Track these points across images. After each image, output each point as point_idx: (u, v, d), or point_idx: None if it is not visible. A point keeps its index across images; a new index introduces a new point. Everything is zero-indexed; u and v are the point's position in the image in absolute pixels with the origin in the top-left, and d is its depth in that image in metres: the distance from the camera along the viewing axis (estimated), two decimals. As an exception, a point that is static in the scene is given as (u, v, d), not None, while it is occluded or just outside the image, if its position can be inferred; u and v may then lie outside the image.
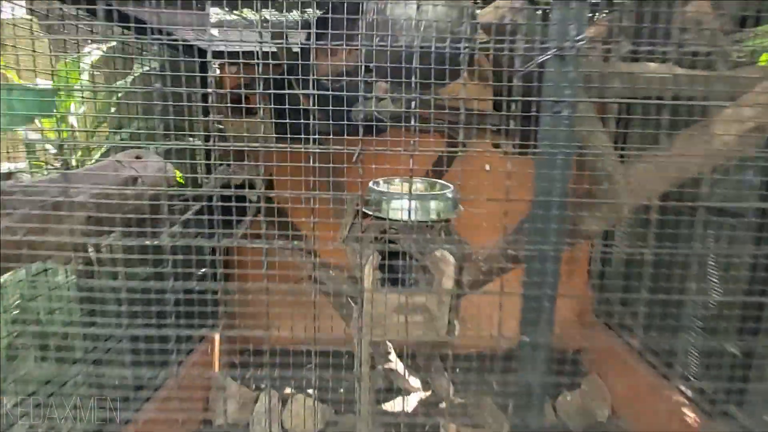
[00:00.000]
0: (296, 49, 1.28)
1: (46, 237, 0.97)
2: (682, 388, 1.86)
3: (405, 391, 2.59)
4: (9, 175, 1.06)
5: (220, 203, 1.01)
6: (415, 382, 2.67)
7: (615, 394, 2.29)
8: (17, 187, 1.07)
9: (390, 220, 1.30)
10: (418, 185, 1.59)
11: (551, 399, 2.48)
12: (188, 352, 2.21)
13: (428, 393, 2.70)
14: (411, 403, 2.58)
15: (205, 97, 2.03)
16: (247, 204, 1.64)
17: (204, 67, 2.40)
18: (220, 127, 1.78)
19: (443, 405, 2.57)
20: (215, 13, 1.49)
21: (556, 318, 0.82)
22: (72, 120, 2.34)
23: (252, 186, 1.53)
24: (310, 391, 2.57)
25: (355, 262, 1.40)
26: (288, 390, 2.53)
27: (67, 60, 2.02)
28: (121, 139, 2.07)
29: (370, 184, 1.45)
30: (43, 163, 1.87)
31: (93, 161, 2.29)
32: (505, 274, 1.15)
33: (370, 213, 1.40)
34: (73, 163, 2.07)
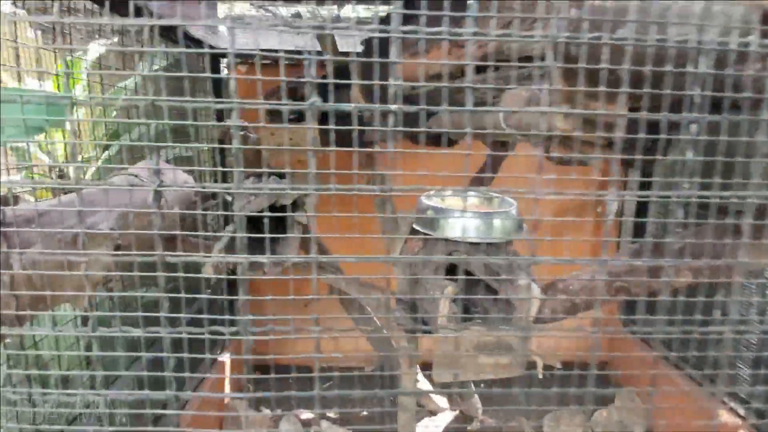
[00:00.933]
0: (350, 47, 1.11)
1: (67, 277, 0.79)
2: (728, 402, 1.78)
3: (433, 412, 2.47)
4: (15, 200, 0.87)
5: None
6: (442, 401, 2.56)
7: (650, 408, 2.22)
8: (26, 214, 0.88)
9: (447, 239, 1.16)
10: (472, 199, 1.44)
11: (586, 416, 2.39)
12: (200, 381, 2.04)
13: (457, 413, 2.59)
14: (440, 424, 2.46)
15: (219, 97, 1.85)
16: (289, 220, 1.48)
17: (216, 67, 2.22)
18: (251, 136, 1.60)
19: (474, 425, 2.45)
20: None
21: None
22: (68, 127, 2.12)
23: (296, 204, 1.36)
24: (331, 414, 2.42)
25: (410, 287, 1.25)
26: (306, 414, 2.38)
27: (69, 58, 1.81)
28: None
29: (422, 197, 1.31)
30: (40, 176, 1.66)
31: (96, 173, 2.09)
32: (591, 308, 1.02)
33: (423, 231, 1.25)
34: (74, 175, 1.87)
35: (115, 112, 1.94)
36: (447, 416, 2.42)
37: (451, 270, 1.15)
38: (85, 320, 1.25)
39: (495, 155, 1.57)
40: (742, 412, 1.81)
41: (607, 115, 0.52)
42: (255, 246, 0.78)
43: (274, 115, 1.56)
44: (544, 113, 0.50)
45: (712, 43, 0.46)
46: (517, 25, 0.54)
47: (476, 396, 2.28)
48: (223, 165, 2.21)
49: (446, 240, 1.17)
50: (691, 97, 0.48)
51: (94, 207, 1.04)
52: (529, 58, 0.58)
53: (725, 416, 1.81)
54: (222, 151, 2.31)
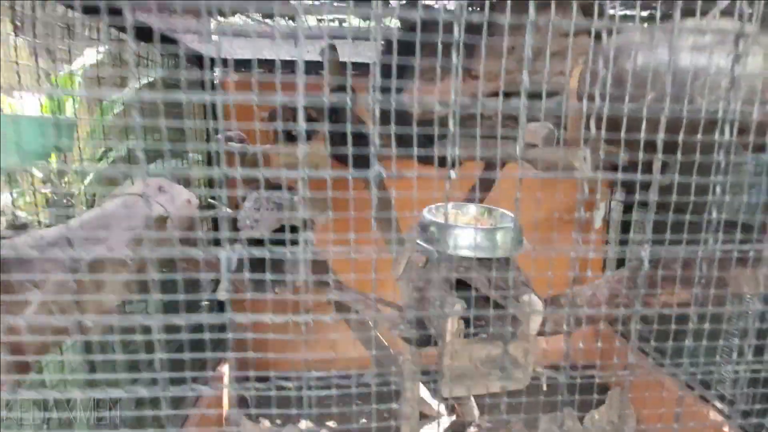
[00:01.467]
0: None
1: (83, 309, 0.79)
2: (713, 401, 1.86)
3: (432, 418, 2.50)
4: (23, 227, 0.86)
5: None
6: (438, 406, 2.59)
7: (637, 405, 2.29)
8: (35, 243, 0.88)
9: (450, 255, 1.18)
10: (471, 211, 1.47)
11: (578, 418, 2.46)
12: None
13: (454, 418, 2.63)
14: (438, 428, 2.49)
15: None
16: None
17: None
18: (249, 149, 1.60)
19: (472, 429, 2.49)
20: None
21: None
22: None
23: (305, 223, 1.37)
24: (331, 423, 2.43)
25: (415, 301, 1.27)
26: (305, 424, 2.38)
27: (61, 73, 1.78)
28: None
29: (424, 212, 1.33)
30: (36, 195, 1.62)
31: (87, 188, 2.05)
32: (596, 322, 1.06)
33: (425, 246, 1.28)
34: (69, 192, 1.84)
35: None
36: (444, 421, 2.45)
37: (456, 285, 1.17)
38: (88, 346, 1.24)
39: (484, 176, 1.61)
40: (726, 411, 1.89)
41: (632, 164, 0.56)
42: (262, 266, 0.79)
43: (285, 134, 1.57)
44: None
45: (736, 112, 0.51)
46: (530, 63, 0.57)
47: (473, 400, 2.32)
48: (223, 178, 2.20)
49: (449, 256, 1.19)
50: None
51: (103, 231, 1.04)
52: (538, 95, 0.62)
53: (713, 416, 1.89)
54: (218, 162, 2.28)
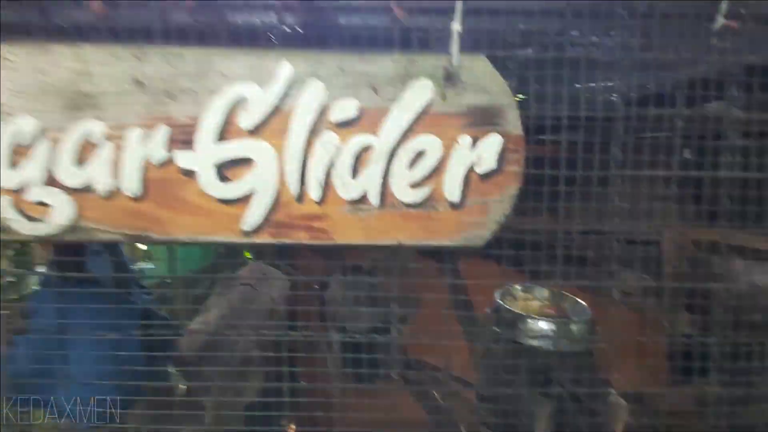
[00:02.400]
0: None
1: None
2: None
3: None
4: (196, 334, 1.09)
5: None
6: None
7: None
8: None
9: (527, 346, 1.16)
10: (543, 295, 1.43)
11: None
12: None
13: None
14: None
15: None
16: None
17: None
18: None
19: None
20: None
21: None
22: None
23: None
24: None
25: (493, 387, 1.25)
26: None
27: None
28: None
29: (496, 296, 1.35)
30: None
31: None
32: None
33: (502, 335, 1.27)
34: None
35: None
36: None
37: (539, 375, 1.14)
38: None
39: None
40: None
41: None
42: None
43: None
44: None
45: None
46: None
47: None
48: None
49: (526, 346, 1.18)
50: None
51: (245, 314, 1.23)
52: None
53: None
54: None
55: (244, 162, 0.84)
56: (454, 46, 0.85)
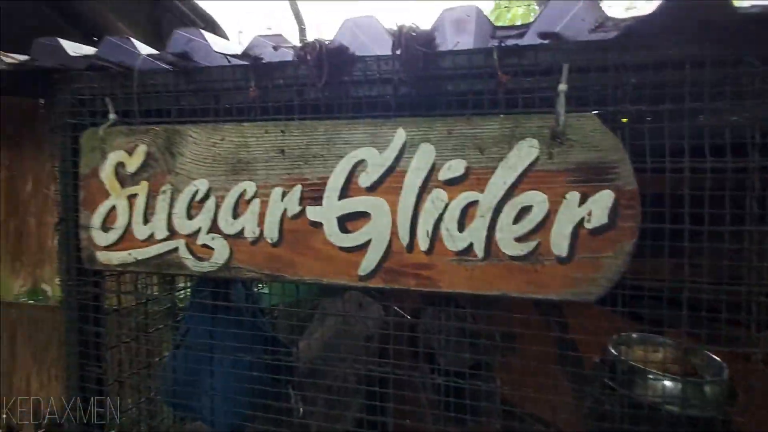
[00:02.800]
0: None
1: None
2: None
3: None
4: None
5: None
6: None
7: None
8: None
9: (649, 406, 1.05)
10: (664, 346, 1.27)
11: None
12: None
13: None
14: None
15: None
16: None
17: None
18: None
19: None
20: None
21: None
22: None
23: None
24: None
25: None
26: None
27: None
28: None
29: (608, 346, 1.24)
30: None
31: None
32: None
33: (616, 389, 1.17)
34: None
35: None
36: None
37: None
38: None
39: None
40: None
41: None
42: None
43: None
44: None
45: None
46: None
47: None
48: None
49: (646, 407, 1.07)
50: None
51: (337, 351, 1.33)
52: None
53: None
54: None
55: (362, 215, 0.96)
56: (561, 106, 0.88)
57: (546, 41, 0.93)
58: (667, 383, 1.10)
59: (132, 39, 1.12)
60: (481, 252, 0.89)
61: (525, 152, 0.89)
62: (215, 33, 2.39)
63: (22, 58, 1.20)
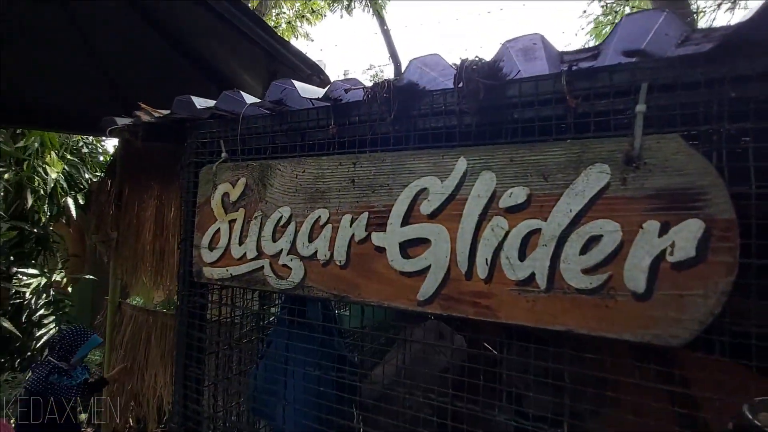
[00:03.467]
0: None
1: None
2: None
3: None
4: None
5: None
6: None
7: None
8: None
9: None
10: None
11: None
12: None
13: None
14: None
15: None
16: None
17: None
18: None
19: None
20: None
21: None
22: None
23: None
24: None
25: None
26: None
27: None
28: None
29: (744, 408, 1.02)
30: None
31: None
32: None
33: None
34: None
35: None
36: None
37: None
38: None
39: None
40: None
41: None
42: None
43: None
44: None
45: None
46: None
47: None
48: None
49: None
50: None
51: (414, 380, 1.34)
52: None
53: None
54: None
55: (422, 242, 0.99)
56: (638, 127, 0.82)
57: (623, 61, 0.88)
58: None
59: (241, 92, 1.35)
60: (544, 283, 0.84)
61: (594, 178, 0.83)
62: (320, 77, 2.70)
63: (165, 112, 1.54)
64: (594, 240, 0.81)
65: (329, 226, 1.12)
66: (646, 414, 0.86)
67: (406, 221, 1.02)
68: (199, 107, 1.41)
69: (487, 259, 0.90)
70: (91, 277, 5.52)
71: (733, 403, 1.05)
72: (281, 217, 1.21)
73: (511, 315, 0.88)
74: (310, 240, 1.15)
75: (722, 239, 0.72)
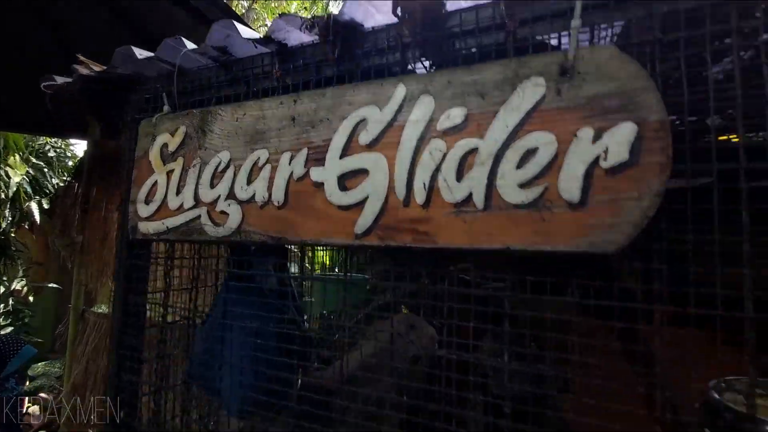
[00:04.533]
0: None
1: None
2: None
3: None
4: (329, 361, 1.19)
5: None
6: None
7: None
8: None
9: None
10: None
11: None
12: None
13: None
14: None
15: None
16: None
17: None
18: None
19: None
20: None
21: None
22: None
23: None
24: None
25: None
26: None
27: None
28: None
29: (711, 392, 0.99)
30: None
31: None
32: None
33: None
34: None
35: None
36: None
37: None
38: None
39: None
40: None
41: None
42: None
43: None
44: None
45: None
46: None
47: None
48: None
49: None
50: None
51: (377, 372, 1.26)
52: None
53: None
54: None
55: (361, 173, 0.94)
56: (573, 40, 0.80)
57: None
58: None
59: (183, 39, 1.29)
60: (481, 202, 0.80)
61: (530, 92, 0.80)
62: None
63: (103, 67, 1.46)
64: (530, 153, 0.78)
65: (268, 166, 1.06)
66: (612, 394, 0.79)
67: (344, 153, 0.97)
68: (139, 57, 1.34)
69: (425, 184, 0.86)
70: (55, 285, 5.22)
71: (700, 380, 1.02)
72: (220, 162, 1.14)
73: (449, 238, 0.83)
74: (249, 182, 1.08)
75: (655, 140, 0.70)
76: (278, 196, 1.03)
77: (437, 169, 0.85)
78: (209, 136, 1.18)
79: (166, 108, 1.34)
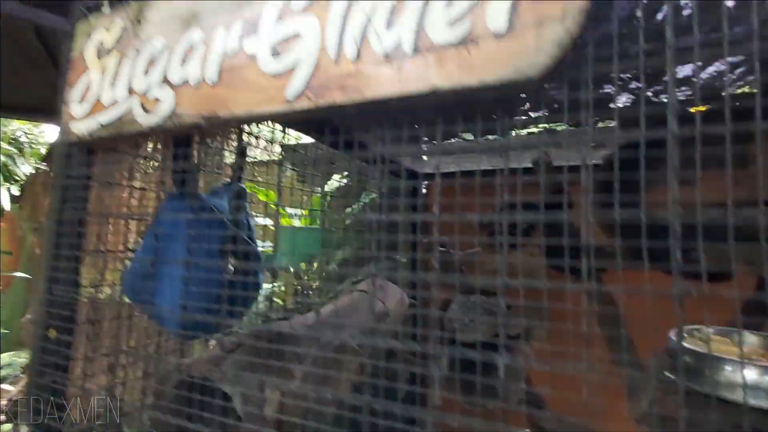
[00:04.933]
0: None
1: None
2: None
3: None
4: (292, 311, 1.15)
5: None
6: None
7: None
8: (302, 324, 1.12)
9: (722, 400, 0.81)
10: (749, 341, 1.05)
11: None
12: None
13: None
14: None
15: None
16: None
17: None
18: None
19: None
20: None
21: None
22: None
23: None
24: None
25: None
26: None
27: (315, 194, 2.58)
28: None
29: (671, 336, 1.02)
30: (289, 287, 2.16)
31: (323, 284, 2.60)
32: None
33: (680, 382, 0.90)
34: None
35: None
36: None
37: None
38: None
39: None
40: None
41: None
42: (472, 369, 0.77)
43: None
44: None
45: None
46: None
47: None
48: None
49: (721, 400, 0.84)
50: None
51: (343, 320, 1.25)
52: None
53: None
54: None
55: (293, 38, 0.90)
56: None
57: None
58: (749, 373, 0.87)
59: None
60: (410, 47, 0.77)
61: (461, -67, 0.77)
62: None
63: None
64: (459, -9, 0.74)
65: (202, 46, 1.01)
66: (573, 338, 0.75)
67: (278, 20, 0.92)
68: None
69: (355, 37, 0.82)
70: (24, 275, 5.02)
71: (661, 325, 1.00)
72: (154, 49, 1.08)
73: (378, 89, 0.79)
74: (182, 64, 1.03)
75: (580, -41, 0.67)
76: (211, 74, 0.98)
77: (368, 21, 0.81)
78: (145, 24, 1.12)
79: (105, 9, 1.27)
